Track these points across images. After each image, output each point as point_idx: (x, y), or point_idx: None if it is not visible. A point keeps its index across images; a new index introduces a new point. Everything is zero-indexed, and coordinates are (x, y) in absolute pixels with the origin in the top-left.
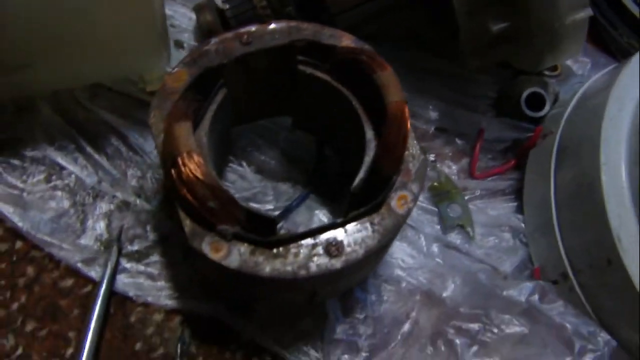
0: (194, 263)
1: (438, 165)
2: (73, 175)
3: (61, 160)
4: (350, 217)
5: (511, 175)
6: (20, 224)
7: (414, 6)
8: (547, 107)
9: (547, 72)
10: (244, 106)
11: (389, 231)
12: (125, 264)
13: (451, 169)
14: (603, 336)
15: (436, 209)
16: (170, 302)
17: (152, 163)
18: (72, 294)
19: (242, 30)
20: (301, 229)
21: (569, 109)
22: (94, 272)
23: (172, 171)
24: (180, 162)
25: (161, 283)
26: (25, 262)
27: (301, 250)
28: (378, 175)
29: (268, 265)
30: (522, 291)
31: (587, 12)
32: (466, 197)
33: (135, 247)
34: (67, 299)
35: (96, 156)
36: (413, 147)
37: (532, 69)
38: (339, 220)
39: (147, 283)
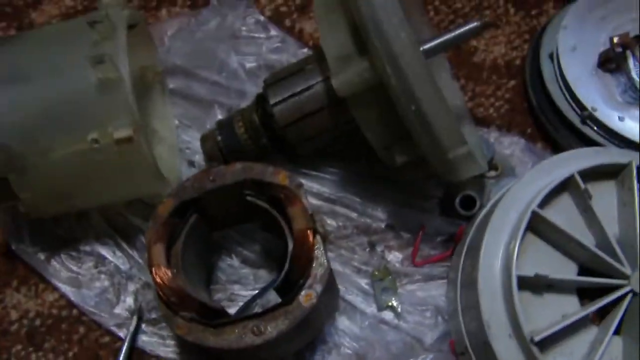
0: None
1: (386, 255)
2: (112, 264)
3: (104, 252)
4: (268, 308)
5: (447, 263)
6: (74, 298)
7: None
8: (477, 207)
9: (487, 174)
10: (220, 218)
11: (297, 319)
12: (145, 327)
13: (397, 257)
14: None
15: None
16: (174, 356)
17: None
18: (108, 348)
19: (211, 170)
20: None
21: (482, 212)
22: (122, 333)
23: (151, 276)
24: (154, 272)
25: (169, 341)
26: (78, 324)
27: (236, 330)
28: (289, 280)
29: (212, 340)
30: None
31: (465, 148)
32: (405, 281)
33: (153, 316)
34: (104, 351)
35: (128, 250)
36: (321, 257)
37: (453, 180)
38: (260, 311)
39: (159, 342)
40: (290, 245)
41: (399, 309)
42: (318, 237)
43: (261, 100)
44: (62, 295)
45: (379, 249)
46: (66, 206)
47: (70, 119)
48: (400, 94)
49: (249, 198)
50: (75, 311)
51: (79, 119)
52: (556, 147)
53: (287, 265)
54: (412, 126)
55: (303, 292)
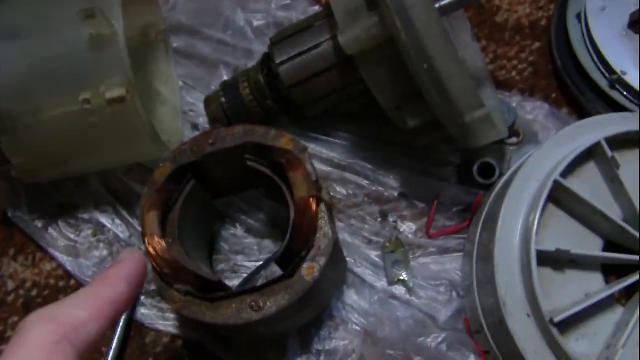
0: None
1: (399, 226)
2: (111, 232)
3: (103, 220)
4: (268, 282)
5: (464, 235)
6: (71, 268)
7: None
8: (496, 176)
9: (507, 141)
10: (221, 184)
11: (298, 293)
12: (144, 299)
13: (410, 228)
14: None
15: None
16: (174, 330)
17: None
18: None
19: (211, 133)
20: None
21: (502, 181)
22: None
23: (145, 246)
24: (146, 242)
25: (168, 315)
26: None
27: (233, 305)
28: (291, 251)
29: (208, 315)
30: (435, 339)
31: (484, 111)
32: (418, 254)
33: (152, 287)
34: None
35: (128, 218)
36: (326, 228)
37: (471, 146)
38: (259, 284)
39: (158, 315)
40: (292, 214)
41: (411, 284)
42: (323, 206)
43: (267, 59)
44: (60, 265)
45: (391, 219)
46: (61, 171)
47: (62, 78)
48: (411, 51)
49: (249, 163)
50: (72, 282)
51: (70, 78)
52: (582, 113)
53: (288, 236)
54: (425, 87)
55: (305, 265)
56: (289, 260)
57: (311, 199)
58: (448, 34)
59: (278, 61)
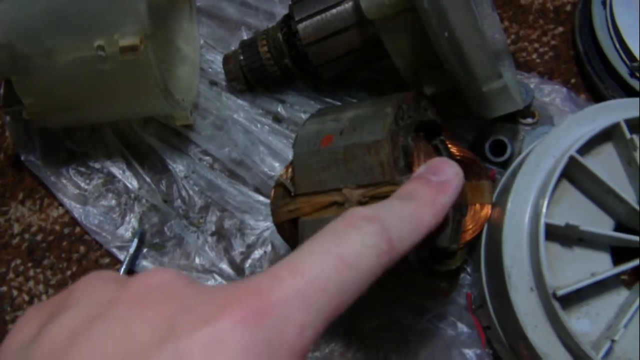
0: None
1: None
2: (121, 182)
3: (114, 170)
4: None
5: None
6: (77, 215)
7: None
8: (507, 154)
9: (522, 120)
10: None
11: None
12: (147, 251)
13: None
14: None
15: None
16: None
17: (177, 179)
18: (107, 269)
19: None
20: None
21: (518, 159)
22: (122, 256)
23: None
24: None
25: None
26: (79, 243)
27: None
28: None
29: None
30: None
31: (501, 82)
32: None
33: (156, 240)
34: None
35: (139, 170)
36: None
37: (487, 115)
38: None
39: (159, 267)
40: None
41: None
42: None
43: (287, 18)
44: (67, 212)
45: None
46: (73, 118)
47: (77, 22)
48: (432, 19)
49: None
50: (77, 229)
51: (86, 22)
52: (600, 101)
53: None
54: (444, 55)
55: None
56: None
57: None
58: (470, 3)
59: (297, 18)
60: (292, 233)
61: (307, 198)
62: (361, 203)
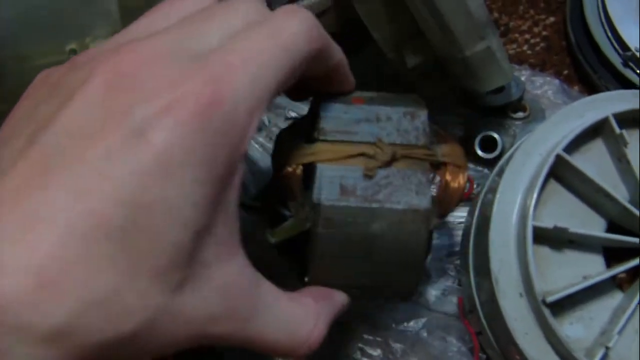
0: None
1: None
2: None
3: None
4: None
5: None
6: None
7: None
8: (498, 150)
9: (512, 115)
10: None
11: None
12: None
13: None
14: None
15: None
16: None
17: None
18: None
19: None
20: None
21: (505, 156)
22: None
23: None
24: None
25: None
26: None
27: None
28: None
29: None
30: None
31: (484, 44)
32: None
33: None
34: None
35: None
36: None
37: (478, 89)
38: None
39: None
40: None
41: None
42: None
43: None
44: None
45: None
46: None
47: (48, 26)
48: None
49: None
50: None
51: (57, 26)
52: (593, 92)
53: None
54: (422, 19)
55: None
56: None
57: None
58: None
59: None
60: (297, 184)
61: (330, 144)
62: (393, 159)
